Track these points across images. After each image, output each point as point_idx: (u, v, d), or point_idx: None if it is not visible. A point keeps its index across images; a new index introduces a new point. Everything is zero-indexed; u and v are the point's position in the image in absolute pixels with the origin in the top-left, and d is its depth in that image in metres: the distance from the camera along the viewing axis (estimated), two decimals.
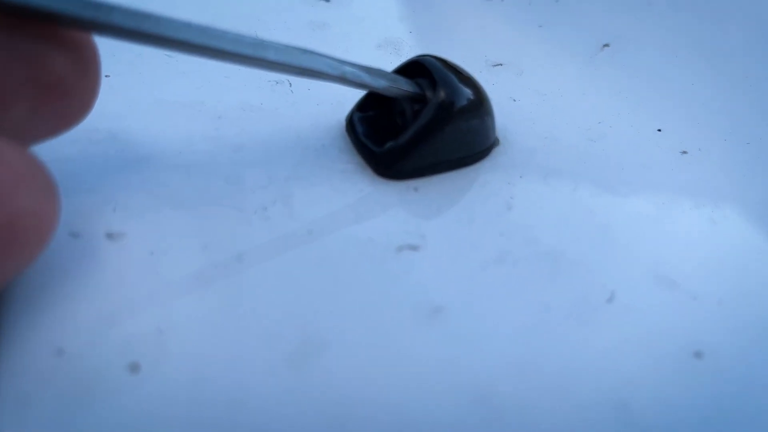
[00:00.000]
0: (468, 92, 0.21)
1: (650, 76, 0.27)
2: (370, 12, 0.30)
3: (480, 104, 0.22)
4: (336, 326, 0.17)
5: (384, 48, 0.27)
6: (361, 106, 0.23)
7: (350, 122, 0.23)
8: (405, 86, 0.21)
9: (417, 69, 0.22)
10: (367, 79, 0.20)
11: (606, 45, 0.29)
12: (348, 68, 0.19)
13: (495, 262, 0.19)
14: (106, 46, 0.25)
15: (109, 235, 0.18)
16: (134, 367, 0.15)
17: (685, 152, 0.24)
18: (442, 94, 0.21)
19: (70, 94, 0.15)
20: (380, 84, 0.20)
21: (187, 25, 0.15)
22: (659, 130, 0.24)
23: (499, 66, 0.27)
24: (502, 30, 0.30)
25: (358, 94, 0.24)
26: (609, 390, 0.16)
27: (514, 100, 0.25)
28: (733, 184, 0.22)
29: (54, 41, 0.14)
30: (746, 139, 0.24)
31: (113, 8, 0.14)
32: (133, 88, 0.24)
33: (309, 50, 0.18)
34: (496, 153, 0.23)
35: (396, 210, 0.20)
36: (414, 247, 0.19)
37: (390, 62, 0.25)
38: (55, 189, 0.14)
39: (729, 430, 0.16)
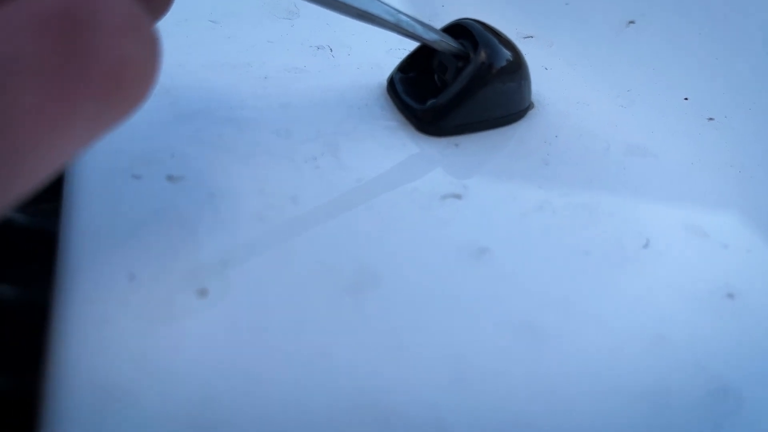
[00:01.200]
0: (507, 54, 0.22)
1: (676, 49, 0.28)
2: None
3: (518, 67, 0.23)
4: (388, 262, 0.18)
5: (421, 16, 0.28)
6: (402, 67, 0.24)
7: (391, 83, 0.24)
8: (453, 42, 0.22)
9: (458, 31, 0.23)
10: (419, 30, 0.21)
11: (631, 22, 0.30)
12: (404, 17, 0.20)
13: (535, 210, 0.20)
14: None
15: (170, 178, 0.19)
16: (203, 293, 0.16)
17: (711, 119, 0.25)
18: (483, 54, 0.22)
19: None
20: (431, 36, 0.21)
21: None
22: (686, 99, 0.25)
23: (530, 38, 0.28)
24: (531, 6, 0.30)
25: (395, 59, 0.25)
26: (646, 325, 0.17)
27: (546, 69, 0.26)
28: (759, 146, 0.23)
29: None
30: None
31: None
32: (182, 50, 0.25)
33: None
34: (531, 115, 0.24)
35: (438, 163, 0.21)
36: (457, 196, 0.20)
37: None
38: (158, 43, 0.14)
39: (756, 362, 0.17)
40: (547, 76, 0.26)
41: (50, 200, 0.20)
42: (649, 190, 0.21)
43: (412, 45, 0.25)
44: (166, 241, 0.17)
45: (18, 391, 0.15)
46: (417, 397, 0.15)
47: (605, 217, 0.20)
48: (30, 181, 0.12)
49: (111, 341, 0.15)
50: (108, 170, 0.19)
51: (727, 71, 0.27)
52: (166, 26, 0.26)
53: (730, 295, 0.18)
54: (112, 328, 0.15)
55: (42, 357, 0.15)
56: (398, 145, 0.22)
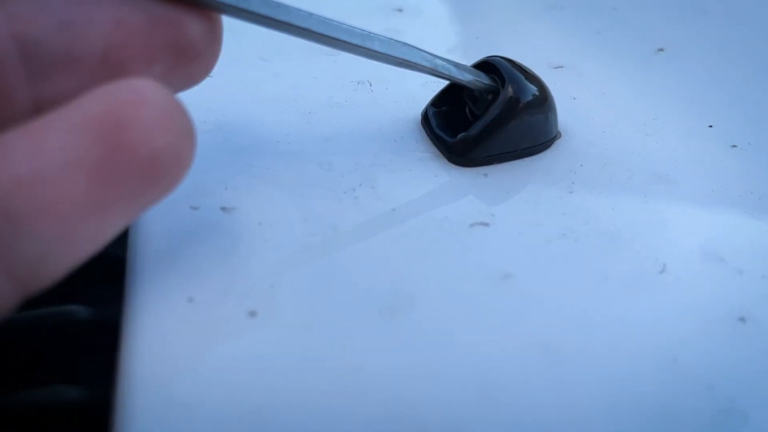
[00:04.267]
0: (533, 89, 0.24)
1: (703, 77, 0.29)
2: (440, 20, 0.32)
3: (544, 100, 0.24)
4: (420, 287, 0.19)
5: (453, 52, 0.30)
6: (435, 102, 0.25)
7: (425, 116, 0.25)
8: (485, 79, 0.23)
9: (487, 68, 0.24)
10: (455, 72, 0.22)
11: (660, 49, 0.31)
12: (439, 62, 0.22)
13: (558, 238, 0.21)
14: None
15: (224, 209, 0.21)
16: (252, 314, 0.18)
17: (735, 146, 0.25)
18: (510, 90, 0.23)
19: (199, 57, 0.18)
20: (465, 77, 0.23)
21: (309, 15, 0.19)
22: (710, 126, 0.26)
23: (560, 68, 0.29)
24: (562, 36, 0.32)
25: (430, 92, 0.26)
26: (660, 347, 0.18)
27: (574, 98, 0.28)
28: None
29: (192, 10, 0.17)
30: None
31: None
32: (234, 88, 0.27)
33: (407, 44, 0.21)
34: (558, 144, 0.25)
35: (468, 192, 0.23)
36: (485, 224, 0.22)
37: None
38: (193, 132, 0.16)
39: (763, 383, 0.18)
40: (574, 105, 0.27)
41: None
42: (669, 217, 0.22)
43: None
44: (221, 267, 0.20)
45: (92, 402, 0.17)
46: (444, 411, 0.17)
47: (625, 244, 0.21)
48: (80, 252, 0.15)
49: (173, 358, 0.17)
50: (169, 202, 0.21)
51: (753, 98, 0.28)
52: (221, 65, 0.28)
53: (742, 319, 0.19)
54: (173, 345, 0.18)
55: (113, 371, 0.17)
56: (431, 176, 0.23)
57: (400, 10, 0.33)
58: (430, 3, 0.33)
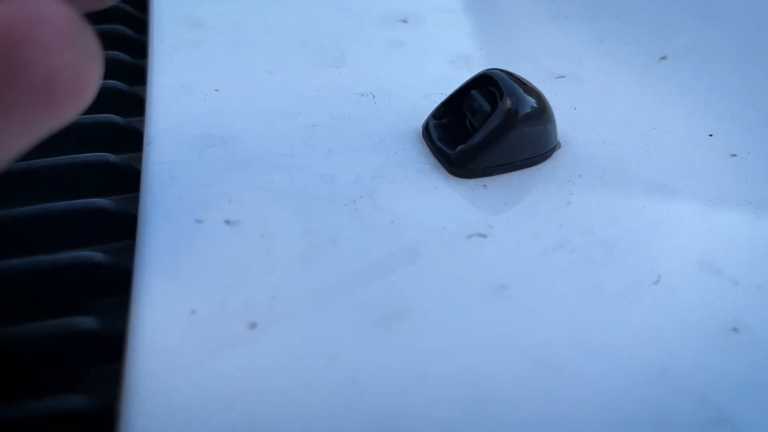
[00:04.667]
0: (532, 101, 0.24)
1: (705, 85, 0.29)
2: (443, 30, 0.33)
3: (542, 112, 0.24)
4: (416, 298, 0.20)
5: (456, 63, 0.30)
6: (436, 113, 0.26)
7: (426, 128, 0.26)
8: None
9: (486, 81, 0.25)
10: None
11: (663, 57, 0.31)
12: None
13: (554, 249, 0.22)
14: (212, 64, 0.29)
15: (228, 222, 0.22)
16: (253, 325, 0.19)
17: (734, 155, 0.26)
18: (508, 102, 0.24)
19: None
20: None
21: None
22: (711, 135, 0.27)
23: (562, 78, 0.30)
24: (565, 44, 0.32)
25: (432, 104, 0.27)
26: (652, 358, 0.19)
27: (575, 108, 0.28)
28: None
29: None
30: None
31: None
32: (240, 101, 0.28)
33: None
34: (557, 155, 0.25)
35: (467, 203, 0.23)
36: (482, 235, 0.22)
37: (461, 75, 0.28)
38: (97, 53, 0.14)
39: (754, 393, 0.18)
40: (575, 115, 0.27)
41: (127, 238, 0.23)
42: (666, 227, 0.23)
43: (447, 89, 0.27)
44: (223, 280, 0.20)
45: (98, 410, 0.18)
46: (439, 422, 0.17)
47: (621, 255, 0.22)
48: None
49: (176, 368, 0.18)
50: (175, 215, 0.22)
51: (755, 105, 0.28)
52: (227, 77, 0.29)
53: (735, 330, 0.19)
54: (177, 356, 0.18)
55: (119, 380, 0.18)
56: (430, 188, 0.24)
57: (404, 21, 0.33)
58: (434, 13, 0.34)
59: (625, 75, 0.30)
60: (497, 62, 0.30)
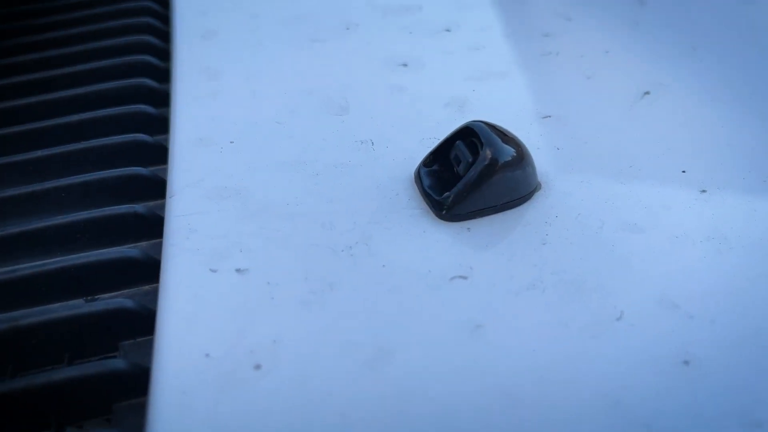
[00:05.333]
0: (510, 150, 0.27)
1: (683, 120, 0.31)
2: (440, 74, 0.35)
3: (521, 159, 0.27)
4: (401, 339, 0.23)
5: (450, 106, 0.33)
6: (426, 162, 0.29)
7: (418, 175, 0.28)
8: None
9: (468, 132, 0.27)
10: None
11: (647, 93, 0.33)
12: None
13: (527, 288, 0.24)
14: (228, 115, 0.32)
15: (238, 270, 0.25)
16: (258, 367, 0.22)
17: (704, 191, 0.28)
18: (488, 153, 0.26)
19: None
20: None
21: None
22: (684, 172, 0.29)
23: (548, 118, 0.32)
24: (553, 83, 0.34)
25: (426, 148, 0.29)
26: (606, 391, 0.21)
27: (558, 149, 0.30)
28: (740, 217, 0.26)
29: None
30: (764, 177, 0.28)
31: None
32: (252, 152, 0.31)
33: None
34: (537, 196, 0.28)
35: (450, 247, 0.26)
36: (463, 277, 0.25)
37: (454, 119, 0.31)
38: None
39: (700, 421, 0.20)
40: (557, 156, 0.30)
41: (151, 281, 0.27)
42: (633, 265, 0.25)
43: (440, 134, 0.29)
44: (233, 324, 0.23)
45: None
46: None
47: (588, 293, 0.24)
48: None
49: (192, 406, 0.21)
50: (193, 265, 0.25)
51: (726, 139, 0.30)
52: (241, 129, 0.32)
53: (686, 362, 0.22)
54: (193, 395, 0.21)
55: (144, 414, 0.21)
56: (419, 232, 0.26)
57: (405, 65, 0.36)
58: (433, 58, 0.36)
59: (608, 112, 0.32)
60: (488, 103, 0.33)
